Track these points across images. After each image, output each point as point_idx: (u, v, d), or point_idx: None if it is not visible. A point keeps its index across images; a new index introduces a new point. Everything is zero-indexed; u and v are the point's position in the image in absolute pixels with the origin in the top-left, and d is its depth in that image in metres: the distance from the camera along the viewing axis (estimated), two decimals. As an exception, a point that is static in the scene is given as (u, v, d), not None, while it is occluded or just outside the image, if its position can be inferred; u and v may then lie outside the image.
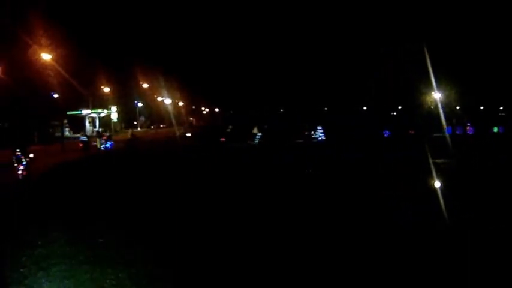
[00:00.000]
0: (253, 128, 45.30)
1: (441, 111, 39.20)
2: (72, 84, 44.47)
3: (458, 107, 59.13)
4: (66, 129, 49.38)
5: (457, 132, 44.76)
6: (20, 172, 18.14)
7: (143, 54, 67.81)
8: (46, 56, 35.20)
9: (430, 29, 58.73)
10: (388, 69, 56.66)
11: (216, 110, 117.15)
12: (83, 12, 50.12)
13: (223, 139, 42.96)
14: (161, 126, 71.38)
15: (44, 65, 36.27)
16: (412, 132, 42.03)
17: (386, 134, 44.64)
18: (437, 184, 17.61)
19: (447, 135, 41.36)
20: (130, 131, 49.67)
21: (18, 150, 18.58)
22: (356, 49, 73.74)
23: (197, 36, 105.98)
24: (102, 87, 57.04)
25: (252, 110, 76.53)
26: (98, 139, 37.18)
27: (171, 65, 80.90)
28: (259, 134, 43.74)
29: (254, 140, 42.29)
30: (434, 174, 18.84)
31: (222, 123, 78.89)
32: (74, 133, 51.85)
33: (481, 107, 69.13)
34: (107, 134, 38.19)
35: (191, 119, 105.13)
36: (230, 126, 52.27)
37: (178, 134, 50.97)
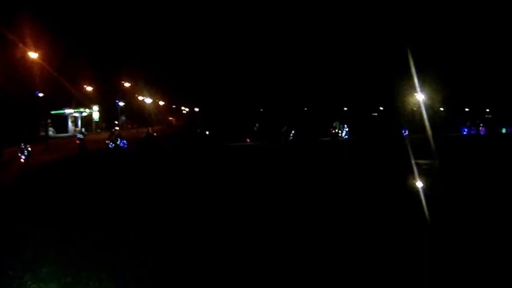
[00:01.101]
0: (281, 127, 45.56)
1: (423, 112, 40.28)
2: (55, 83, 44.42)
3: (442, 109, 60.37)
4: (50, 128, 49.13)
5: (472, 133, 46.89)
6: (22, 160, 23.72)
7: (125, 53, 67.74)
8: (33, 55, 35.33)
9: (419, 30, 59.55)
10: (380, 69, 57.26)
11: (196, 109, 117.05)
12: (67, 11, 50.03)
13: (248, 139, 42.97)
14: (129, 126, 69.77)
15: (31, 64, 36.31)
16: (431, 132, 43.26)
17: (405, 133, 45.88)
18: (419, 184, 18.43)
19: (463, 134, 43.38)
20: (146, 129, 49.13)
21: (22, 144, 24.37)
22: (346, 48, 74.17)
23: (180, 34, 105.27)
24: (85, 86, 56.92)
25: (252, 109, 76.31)
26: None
27: (152, 64, 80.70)
28: (293, 131, 44.13)
29: (288, 139, 42.72)
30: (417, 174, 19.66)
31: (202, 123, 78.90)
32: (57, 132, 51.64)
33: (466, 109, 70.35)
34: (117, 131, 37.90)
35: (170, 118, 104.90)
36: (257, 125, 51.87)
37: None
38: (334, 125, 46.32)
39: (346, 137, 44.11)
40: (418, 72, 35.87)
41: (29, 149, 24.65)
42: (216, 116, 66.79)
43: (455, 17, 64.69)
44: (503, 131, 48.85)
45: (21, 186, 18.47)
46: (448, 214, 13.27)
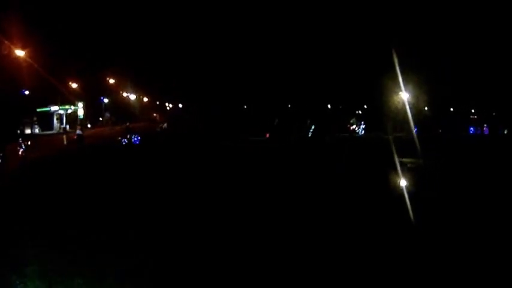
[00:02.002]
0: (303, 123, 46.46)
1: (408, 111, 41.13)
2: (41, 80, 44.13)
3: (426, 108, 61.13)
4: (36, 126, 48.80)
5: (478, 132, 48.30)
6: (20, 153, 27.30)
7: (110, 49, 67.46)
8: (19, 53, 35.22)
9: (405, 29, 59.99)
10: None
11: (180, 105, 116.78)
12: (51, 9, 49.69)
13: (267, 134, 43.67)
14: (110, 123, 68.96)
15: (17, 62, 36.22)
16: (440, 131, 44.36)
17: (416, 131, 46.96)
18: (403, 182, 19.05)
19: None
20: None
21: (20, 139, 29.04)
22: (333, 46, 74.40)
23: (162, 29, 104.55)
24: (70, 83, 56.61)
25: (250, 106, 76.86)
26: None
27: (136, 60, 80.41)
28: (313, 127, 44.89)
29: (308, 134, 43.48)
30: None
31: (187, 119, 78.99)
32: (42, 130, 51.19)
33: (451, 109, 71.23)
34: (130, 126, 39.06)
35: (155, 114, 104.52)
36: (276, 120, 52.36)
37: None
38: (351, 121, 47.59)
39: (363, 133, 45.19)
40: (404, 72, 36.58)
41: (29, 143, 29.70)
42: (216, 116, 67.36)
43: (443, 17, 65.52)
44: (506, 131, 50.22)
45: (22, 176, 21.81)
46: (431, 212, 13.85)
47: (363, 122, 46.89)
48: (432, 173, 21.42)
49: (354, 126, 47.52)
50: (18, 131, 42.95)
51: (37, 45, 40.07)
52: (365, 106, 74.62)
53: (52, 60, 46.21)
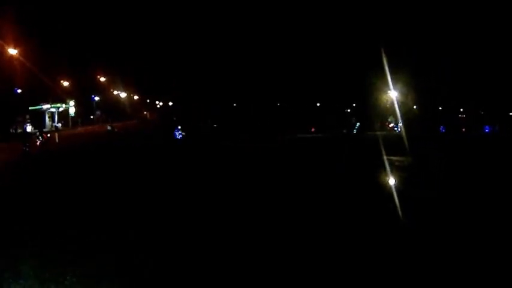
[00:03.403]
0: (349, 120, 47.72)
1: (397, 111, 41.93)
2: (33, 79, 44.32)
3: (415, 107, 61.75)
4: (28, 124, 48.86)
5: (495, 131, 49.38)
6: (38, 143, 32.18)
7: (101, 48, 67.66)
8: (12, 51, 35.52)
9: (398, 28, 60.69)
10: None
11: (170, 103, 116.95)
12: (43, 8, 49.82)
13: (313, 129, 44.68)
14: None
15: (10, 60, 36.47)
16: (464, 130, 45.22)
17: (443, 130, 48.12)
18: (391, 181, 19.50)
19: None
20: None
21: (37, 132, 35.21)
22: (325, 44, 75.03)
23: (156, 27, 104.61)
24: (61, 81, 56.80)
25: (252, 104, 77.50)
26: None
27: (127, 58, 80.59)
28: (358, 123, 46.06)
29: (352, 130, 44.72)
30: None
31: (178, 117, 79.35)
32: (34, 128, 51.24)
33: (440, 107, 72.06)
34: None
35: (145, 112, 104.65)
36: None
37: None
38: (389, 119, 48.55)
39: (399, 130, 46.26)
40: (395, 70, 37.25)
41: (49, 135, 35.84)
42: (216, 115, 68.13)
43: (437, 16, 66.26)
44: None
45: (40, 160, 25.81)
46: (426, 211, 14.24)
47: (400, 121, 48.24)
48: (432, 172, 21.70)
49: (392, 125, 48.78)
50: (12, 130, 43.17)
51: (29, 43, 40.35)
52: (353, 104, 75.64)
53: (44, 58, 46.39)
